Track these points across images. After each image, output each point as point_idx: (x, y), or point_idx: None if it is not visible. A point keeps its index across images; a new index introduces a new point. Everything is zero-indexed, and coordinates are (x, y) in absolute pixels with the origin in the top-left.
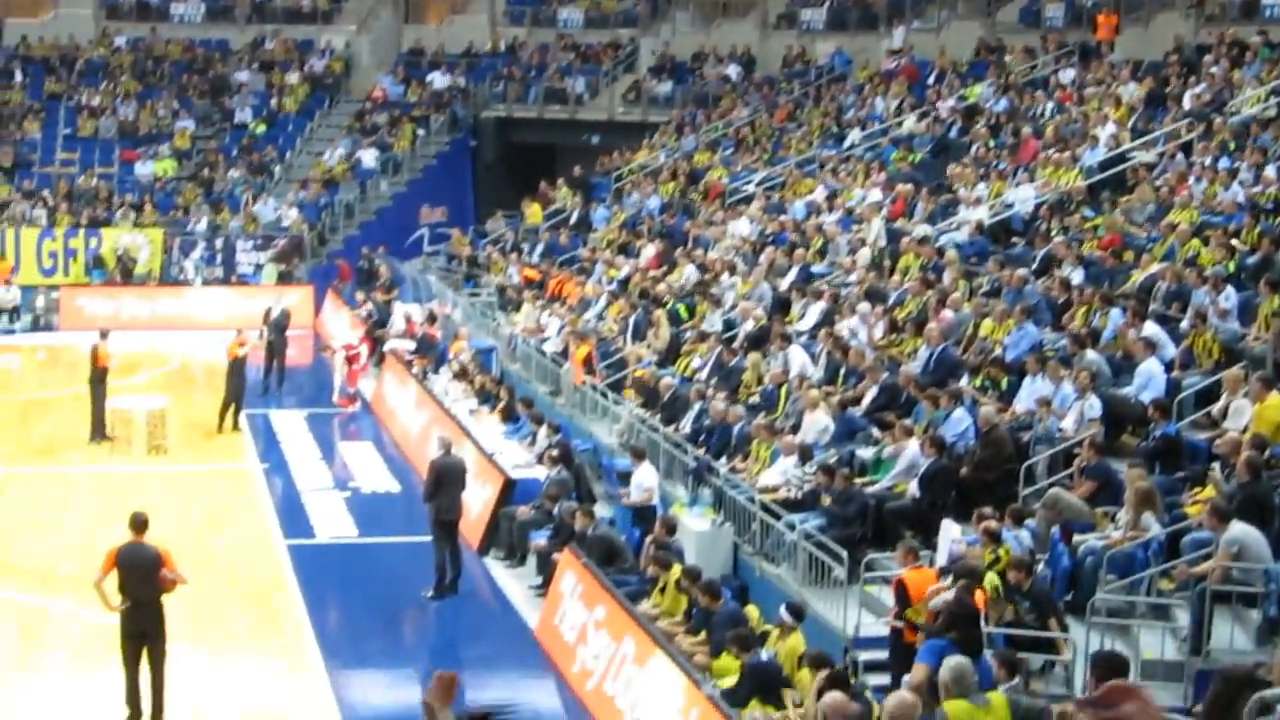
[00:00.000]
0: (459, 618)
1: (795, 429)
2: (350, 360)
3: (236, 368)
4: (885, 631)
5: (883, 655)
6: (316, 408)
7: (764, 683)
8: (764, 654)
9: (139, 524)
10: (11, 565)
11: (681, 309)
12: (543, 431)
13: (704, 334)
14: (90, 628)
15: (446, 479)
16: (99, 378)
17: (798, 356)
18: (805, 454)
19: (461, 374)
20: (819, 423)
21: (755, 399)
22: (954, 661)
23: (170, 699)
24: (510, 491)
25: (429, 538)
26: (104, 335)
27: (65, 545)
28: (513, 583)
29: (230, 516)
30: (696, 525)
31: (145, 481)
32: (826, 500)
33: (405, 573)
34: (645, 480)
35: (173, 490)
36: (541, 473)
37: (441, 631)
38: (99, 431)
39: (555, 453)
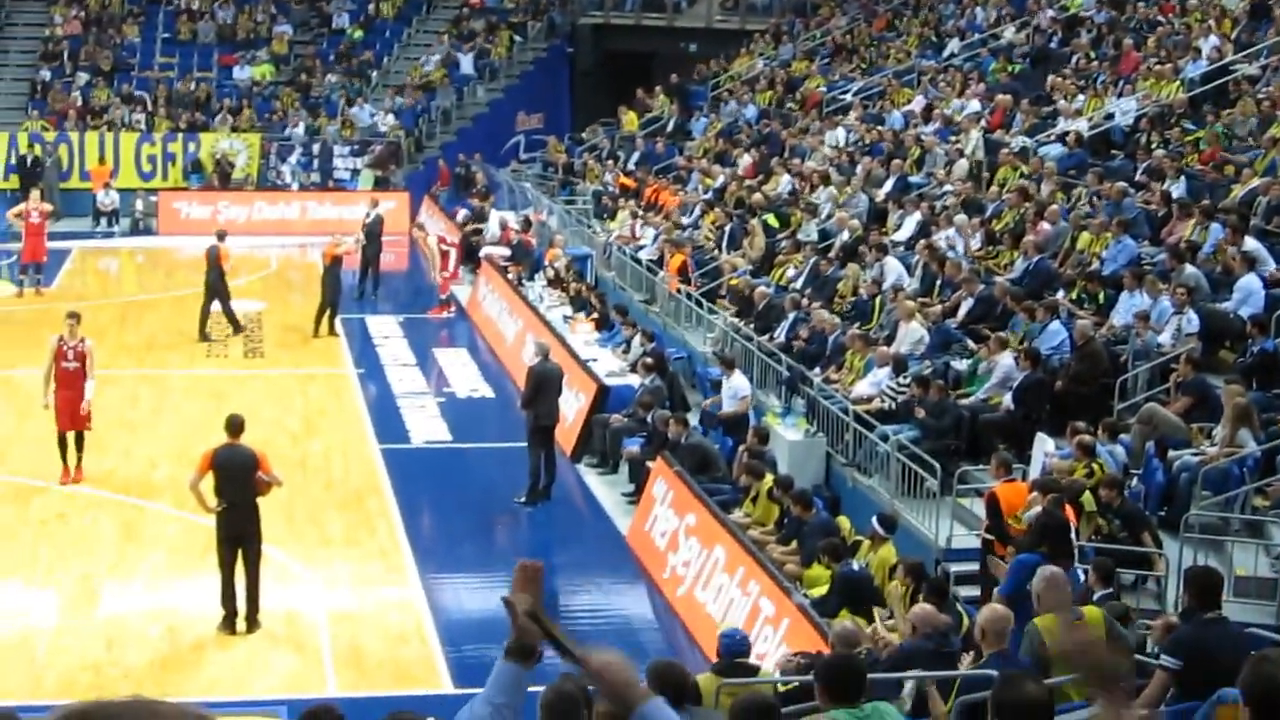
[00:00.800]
0: (551, 523)
1: (890, 340)
2: (443, 255)
3: (332, 272)
4: (976, 544)
5: (973, 567)
6: (412, 313)
7: (854, 593)
8: (855, 564)
9: (235, 427)
10: (110, 468)
11: (776, 218)
12: (637, 339)
13: (799, 244)
14: (187, 529)
15: (545, 385)
16: (218, 278)
17: (893, 267)
18: (900, 365)
19: (556, 281)
20: (914, 334)
21: (850, 309)
22: (1049, 571)
23: (265, 600)
24: (604, 399)
25: (523, 443)
26: (221, 237)
27: (163, 448)
28: (605, 489)
29: (325, 420)
30: (789, 435)
31: (242, 385)
32: (920, 412)
33: (498, 478)
34: (739, 389)
35: (269, 394)
36: (635, 381)
37: (533, 537)
38: (236, 326)
39: (649, 361)
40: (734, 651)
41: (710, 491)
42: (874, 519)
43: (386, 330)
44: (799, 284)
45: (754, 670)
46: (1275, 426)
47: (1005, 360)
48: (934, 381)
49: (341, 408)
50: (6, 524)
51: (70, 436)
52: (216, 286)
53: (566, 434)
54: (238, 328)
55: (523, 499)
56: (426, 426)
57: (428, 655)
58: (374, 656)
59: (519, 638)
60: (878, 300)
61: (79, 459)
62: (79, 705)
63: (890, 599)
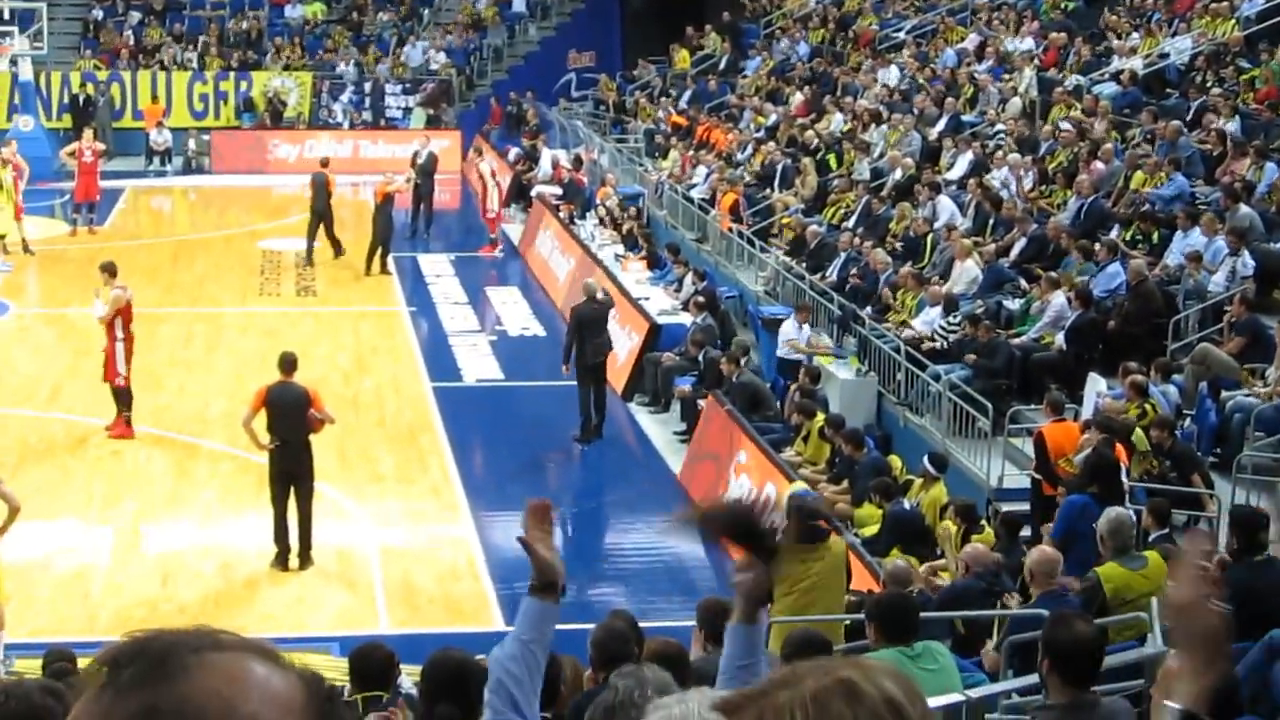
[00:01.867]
0: (602, 462)
1: (942, 279)
2: (487, 190)
3: (384, 210)
4: (1027, 483)
5: (1024, 507)
6: (463, 252)
7: (905, 532)
8: (906, 504)
9: (288, 364)
10: (164, 404)
11: (830, 157)
12: (688, 278)
13: (852, 182)
14: (240, 466)
15: (584, 326)
16: (325, 205)
17: (946, 206)
18: (951, 304)
19: (608, 220)
20: (967, 273)
21: (901, 248)
22: (1114, 513)
23: (317, 537)
24: (655, 337)
25: (574, 382)
26: (325, 164)
27: (216, 385)
28: (656, 427)
29: (377, 358)
30: (841, 374)
31: (294, 322)
32: (972, 351)
33: (549, 416)
34: (793, 333)
35: (321, 331)
36: (686, 319)
37: (585, 475)
38: (338, 248)
39: (700, 299)
40: (806, 513)
41: (761, 430)
42: (925, 458)
43: (438, 269)
44: (851, 223)
45: (826, 534)
46: None
47: (1058, 300)
48: (986, 321)
49: (393, 346)
50: (61, 462)
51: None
52: (324, 213)
53: (618, 372)
54: (339, 250)
55: (576, 436)
56: (478, 364)
57: (479, 592)
58: (425, 593)
59: (542, 574)
60: (930, 239)
61: (118, 414)
62: (139, 636)
63: (941, 539)
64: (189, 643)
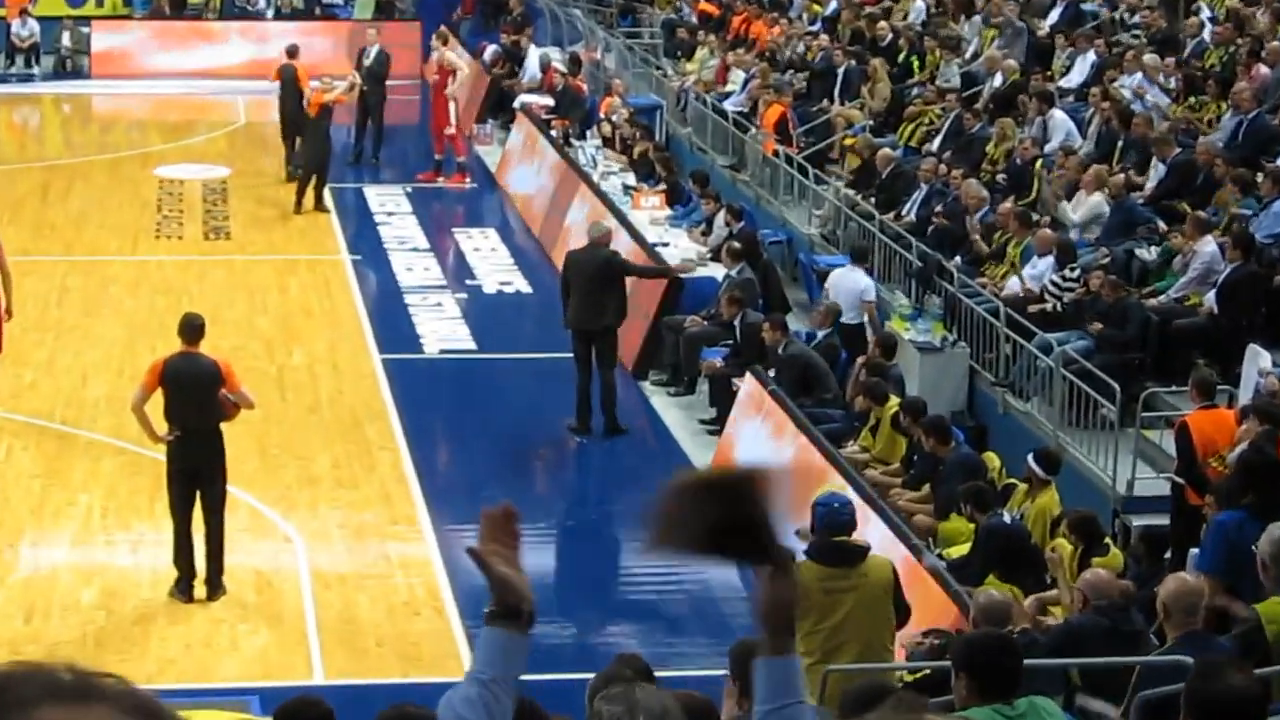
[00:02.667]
0: (607, 459)
1: (1053, 222)
2: (447, 100)
3: (320, 127)
4: (1166, 490)
5: (1163, 520)
6: (424, 182)
7: (1005, 553)
8: (1006, 516)
9: (192, 330)
10: (28, 383)
11: (912, 59)
12: (720, 217)
13: (939, 91)
14: (129, 464)
15: (572, 276)
16: (298, 107)
17: (1060, 124)
18: (1068, 252)
19: (614, 140)
20: (1088, 211)
21: (1002, 179)
22: (1278, 531)
23: (231, 557)
24: (676, 295)
25: (568, 353)
26: (294, 53)
27: (97, 357)
28: (677, 414)
29: (311, 323)
30: (922, 344)
31: (202, 274)
32: (1095, 315)
33: (537, 399)
34: (856, 285)
35: (237, 287)
36: (718, 271)
37: (582, 476)
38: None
39: (736, 245)
40: (834, 524)
41: (816, 418)
42: (1031, 457)
43: (391, 204)
44: (935, 145)
45: (862, 553)
46: None
47: (1207, 248)
48: (1112, 276)
49: (332, 306)
50: None
51: None
52: (297, 119)
53: (628, 342)
54: (294, 175)
55: (573, 424)
56: (443, 331)
57: (442, 630)
58: (373, 632)
59: (501, 596)
60: (1038, 167)
61: None
62: None
63: (1052, 562)
64: (28, 690)
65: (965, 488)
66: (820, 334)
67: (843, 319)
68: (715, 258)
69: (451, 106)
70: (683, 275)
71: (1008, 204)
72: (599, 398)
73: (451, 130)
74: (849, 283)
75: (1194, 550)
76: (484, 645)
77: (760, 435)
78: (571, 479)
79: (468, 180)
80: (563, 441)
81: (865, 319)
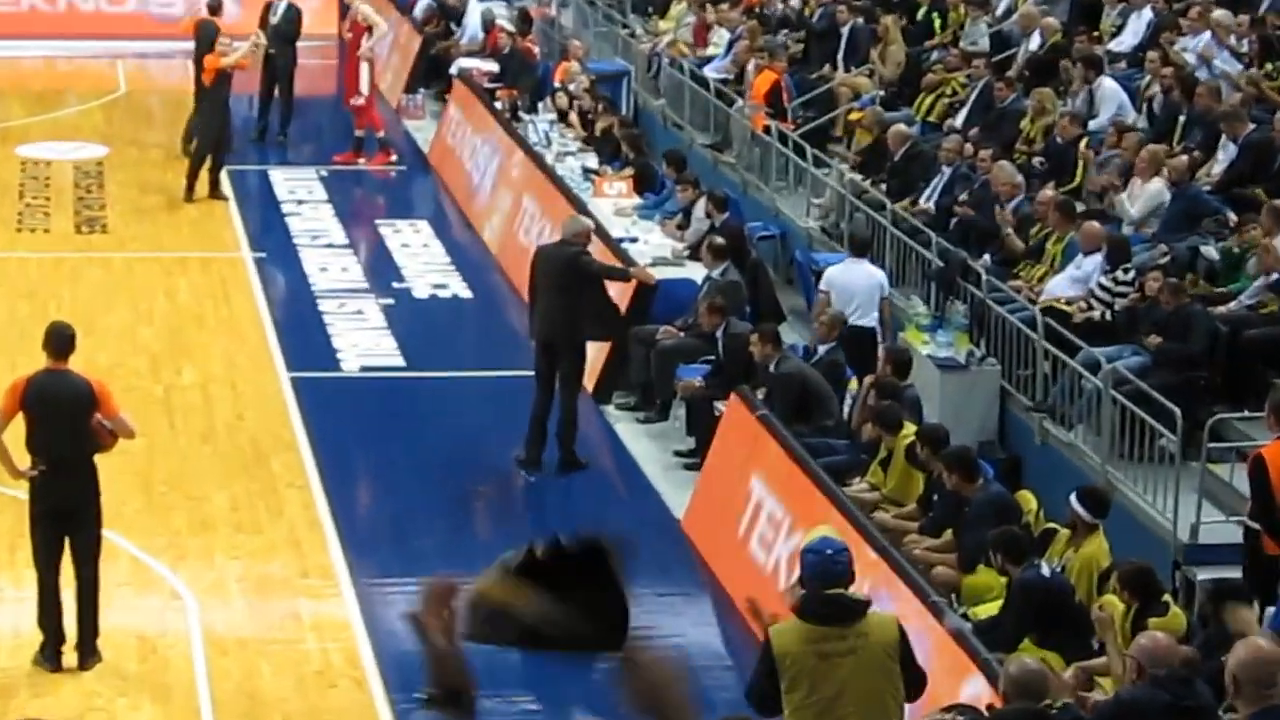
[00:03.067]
0: (564, 500)
1: (1101, 214)
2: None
3: (216, 99)
4: (1237, 536)
5: (1234, 573)
6: (342, 164)
7: (1043, 612)
8: (1045, 567)
9: (61, 342)
10: None
11: (933, 16)
12: (700, 207)
13: (965, 55)
14: None
15: (542, 278)
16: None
17: (1110, 94)
18: (1120, 250)
19: (573, 113)
20: (1145, 202)
21: (1040, 161)
22: None
23: (107, 617)
24: (646, 301)
25: (518, 370)
26: (215, 8)
27: None
28: (648, 445)
29: (204, 334)
30: (942, 360)
31: (73, 275)
32: (1152, 326)
33: (479, 426)
34: (866, 279)
35: (116, 290)
36: (697, 272)
37: (533, 520)
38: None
39: (720, 241)
40: (828, 575)
41: (815, 450)
42: (1074, 496)
43: (302, 190)
44: (959, 120)
45: (861, 609)
46: None
47: None
48: (1172, 278)
49: (230, 314)
50: None
51: None
52: (209, 91)
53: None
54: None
55: (521, 456)
56: (365, 344)
57: (363, 703)
58: (279, 706)
59: (439, 679)
60: (1084, 147)
61: None
62: None
63: (1100, 623)
64: None
65: (995, 534)
66: (821, 349)
67: (850, 320)
68: (694, 256)
69: (364, 70)
70: (654, 255)
71: (1047, 191)
72: (556, 426)
73: (361, 100)
74: (855, 278)
75: (1271, 609)
76: None
77: (746, 470)
78: (520, 525)
79: (393, 160)
80: (509, 478)
81: (878, 321)
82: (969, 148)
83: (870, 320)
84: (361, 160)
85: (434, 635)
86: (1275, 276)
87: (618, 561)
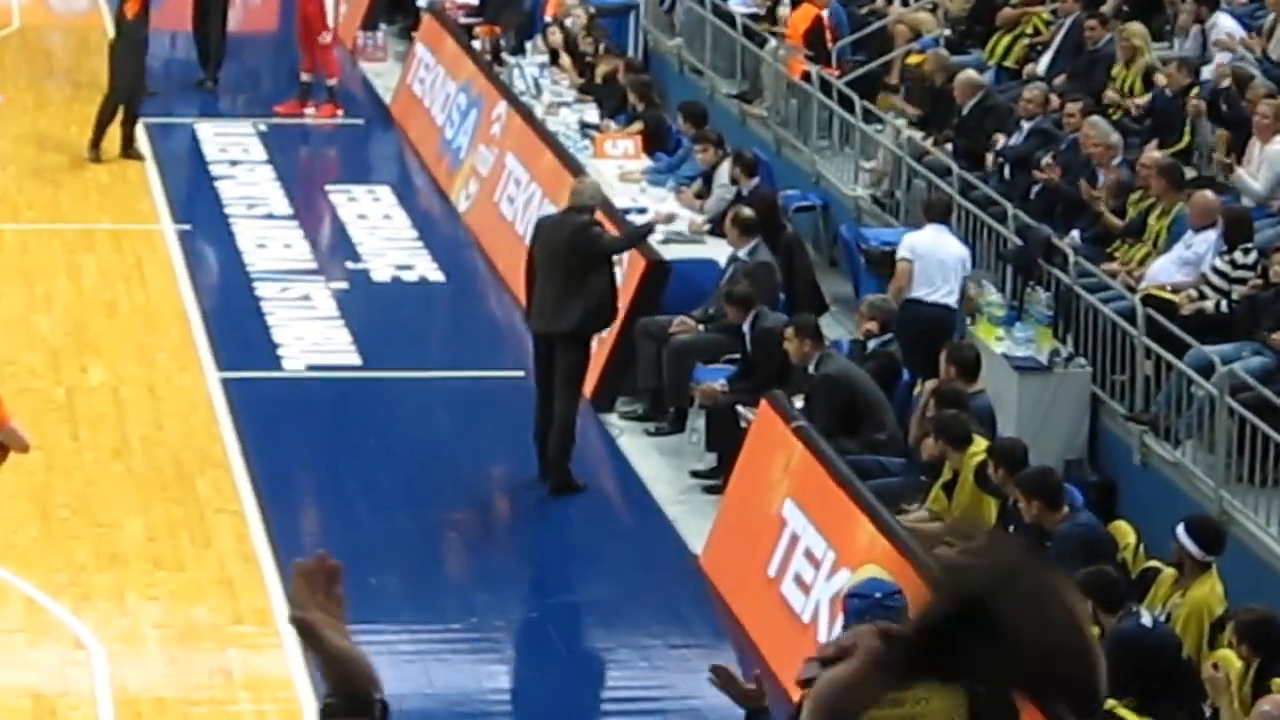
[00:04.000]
0: (558, 529)
1: (1215, 182)
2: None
3: (130, 38)
4: None
5: None
6: (283, 116)
7: (1144, 668)
8: (1145, 615)
9: None
10: None
11: None
12: (723, 171)
13: None
14: None
15: (540, 255)
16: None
17: (1226, 33)
18: (1239, 227)
19: (566, 56)
20: (1272, 163)
21: (1138, 115)
22: None
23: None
24: (658, 285)
25: (506, 372)
26: None
27: None
28: (657, 461)
29: (117, 324)
30: (1020, 361)
31: None
32: (1275, 319)
33: (450, 438)
34: (950, 252)
35: (6, 271)
36: (721, 251)
37: (519, 554)
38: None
39: (748, 214)
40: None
41: (864, 470)
42: (1182, 528)
43: (236, 148)
44: (1042, 66)
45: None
46: None
47: None
48: None
49: (147, 300)
50: None
51: None
52: (130, 26)
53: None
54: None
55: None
56: (312, 337)
57: None
58: None
59: (340, 683)
60: (1194, 99)
61: None
62: None
63: (1213, 684)
64: None
65: (1084, 575)
66: (872, 343)
67: (926, 298)
68: (717, 231)
69: (329, 1)
70: (665, 229)
71: (1151, 153)
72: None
73: (328, 37)
74: (946, 248)
75: None
76: None
77: (779, 493)
78: (502, 559)
79: (339, 115)
80: (488, 502)
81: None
82: (1054, 100)
83: (953, 301)
84: (309, 110)
85: (326, 633)
86: None
87: None
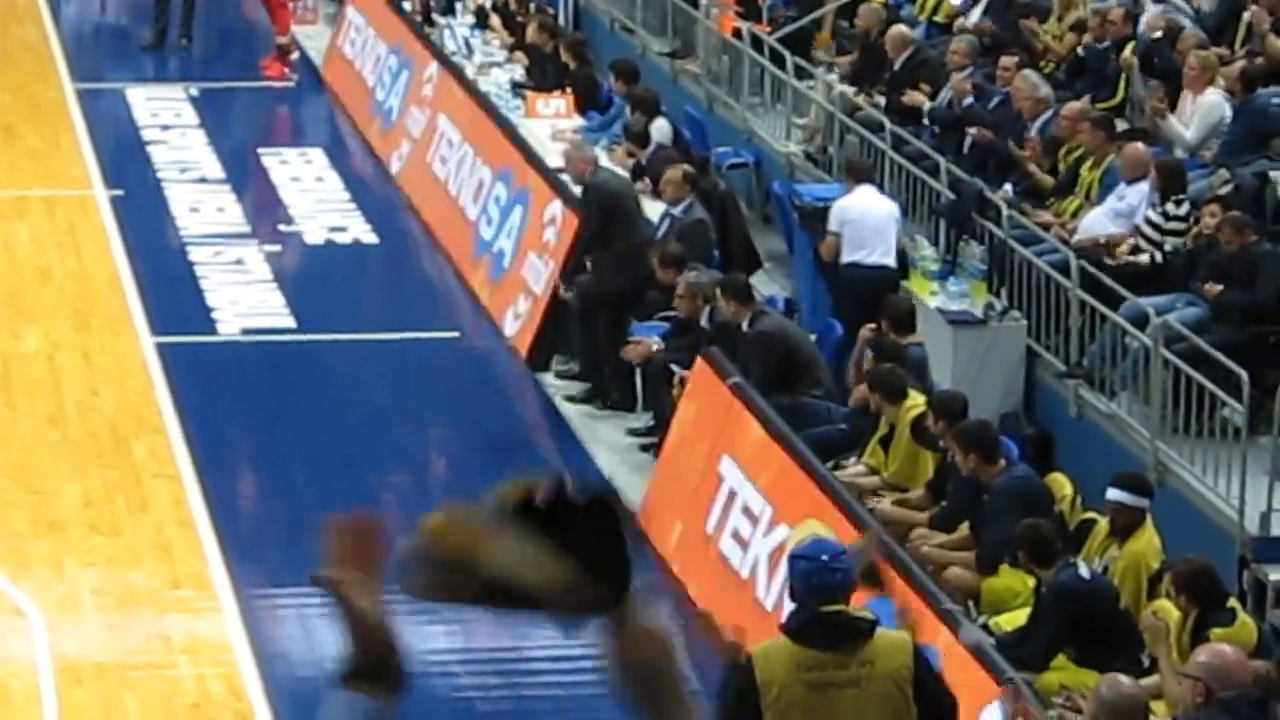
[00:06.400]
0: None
1: (1146, 133)
2: None
3: None
4: None
5: None
6: (221, 77)
7: (1082, 621)
8: (1082, 567)
9: None
10: None
11: None
12: (656, 128)
13: None
14: None
15: (614, 210)
16: None
17: None
18: (1172, 178)
19: (496, 16)
20: (1201, 120)
21: (1067, 65)
22: None
23: None
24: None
25: (440, 332)
26: None
27: None
28: (596, 423)
29: (51, 291)
30: (955, 315)
31: None
32: (1211, 271)
33: (385, 400)
34: (878, 214)
35: None
36: (654, 209)
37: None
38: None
39: (679, 172)
40: (823, 587)
41: (802, 420)
42: (1116, 481)
43: (168, 112)
44: (973, 19)
45: (867, 630)
46: None
47: None
48: (1236, 212)
49: (80, 266)
50: None
51: None
52: None
53: (521, 320)
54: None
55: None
56: (247, 301)
57: None
58: None
59: (360, 647)
60: (1129, 52)
61: None
62: None
63: (1151, 634)
64: None
65: (1021, 527)
66: None
67: (864, 260)
68: (651, 191)
69: None
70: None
71: (1079, 104)
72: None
73: None
74: (873, 209)
75: None
76: (335, 716)
77: (716, 450)
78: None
79: (287, 75)
80: (424, 464)
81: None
82: (979, 48)
83: (891, 260)
84: (288, 71)
85: (353, 595)
86: None
87: (626, 518)
